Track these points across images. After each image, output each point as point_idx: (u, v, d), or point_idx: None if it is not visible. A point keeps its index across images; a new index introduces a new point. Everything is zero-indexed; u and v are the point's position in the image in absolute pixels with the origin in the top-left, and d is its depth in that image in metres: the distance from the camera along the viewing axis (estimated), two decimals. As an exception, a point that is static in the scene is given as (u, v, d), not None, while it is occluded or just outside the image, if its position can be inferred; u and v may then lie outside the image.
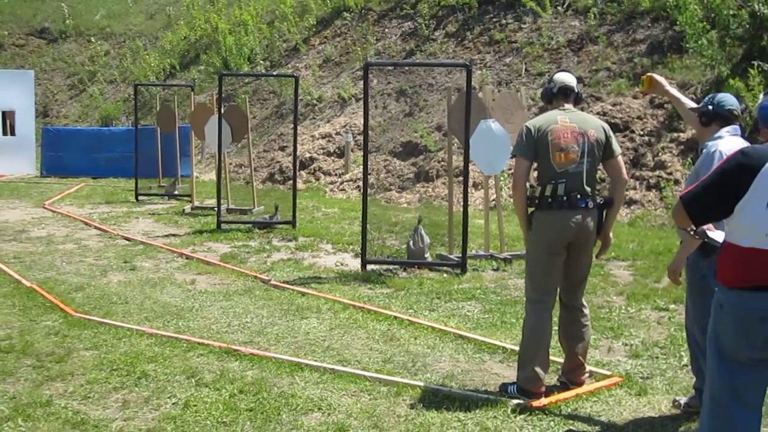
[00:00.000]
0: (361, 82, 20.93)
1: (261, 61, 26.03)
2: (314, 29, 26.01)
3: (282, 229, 12.83)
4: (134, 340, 6.83)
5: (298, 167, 15.09)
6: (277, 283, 9.06)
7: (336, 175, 18.65)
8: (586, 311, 5.82)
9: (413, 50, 21.76)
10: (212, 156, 21.33)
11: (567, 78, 5.81)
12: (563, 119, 5.58)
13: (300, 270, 9.93)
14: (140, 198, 17.08)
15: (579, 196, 5.47)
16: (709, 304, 3.97)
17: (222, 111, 13.55)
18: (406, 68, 20.72)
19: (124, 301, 8.27)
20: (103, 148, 22.36)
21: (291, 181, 14.45)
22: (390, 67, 21.03)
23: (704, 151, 5.03)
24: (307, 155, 19.33)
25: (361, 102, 20.26)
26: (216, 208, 13.47)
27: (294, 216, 12.99)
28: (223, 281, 9.25)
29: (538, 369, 5.52)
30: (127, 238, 12.13)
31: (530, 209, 5.59)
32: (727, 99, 5.14)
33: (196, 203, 15.51)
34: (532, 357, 5.55)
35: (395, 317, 7.61)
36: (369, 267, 9.89)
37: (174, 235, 12.52)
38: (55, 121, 31.91)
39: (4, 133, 24.26)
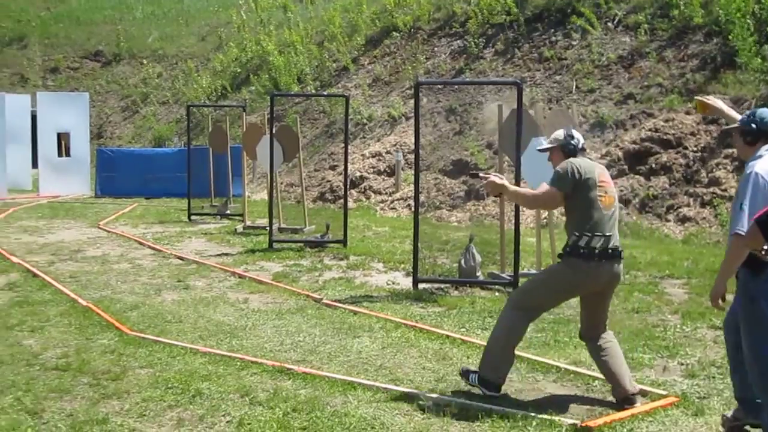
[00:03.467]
0: (411, 101, 21.15)
1: (311, 81, 26.23)
2: (363, 49, 26.16)
3: (333, 248, 12.87)
4: (188, 359, 6.88)
5: (348, 186, 15.14)
6: (329, 301, 9.08)
7: (386, 193, 18.70)
8: (608, 331, 6.02)
9: (462, 68, 21.78)
10: (263, 176, 21.52)
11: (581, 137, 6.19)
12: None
13: (351, 289, 9.95)
14: (193, 218, 17.25)
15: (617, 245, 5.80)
16: (764, 328, 3.89)
17: (273, 131, 13.66)
18: (456, 86, 20.75)
19: (178, 319, 8.35)
20: (156, 168, 22.65)
21: (342, 200, 14.49)
22: (439, 86, 21.07)
23: (744, 171, 4.84)
24: (358, 174, 19.41)
25: (411, 121, 20.39)
26: (268, 228, 13.56)
27: (345, 235, 13.03)
28: (276, 300, 9.29)
29: (505, 366, 5.95)
30: (180, 258, 12.26)
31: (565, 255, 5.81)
32: (765, 112, 4.95)
33: (248, 223, 15.63)
34: (506, 356, 5.95)
35: (447, 336, 7.59)
36: (421, 286, 9.88)
37: (226, 254, 12.62)
38: (108, 142, 32.47)
39: (60, 155, 24.74)
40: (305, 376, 6.40)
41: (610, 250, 5.69)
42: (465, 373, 6.09)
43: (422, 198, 14.88)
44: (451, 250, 12.23)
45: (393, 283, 10.28)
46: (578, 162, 5.85)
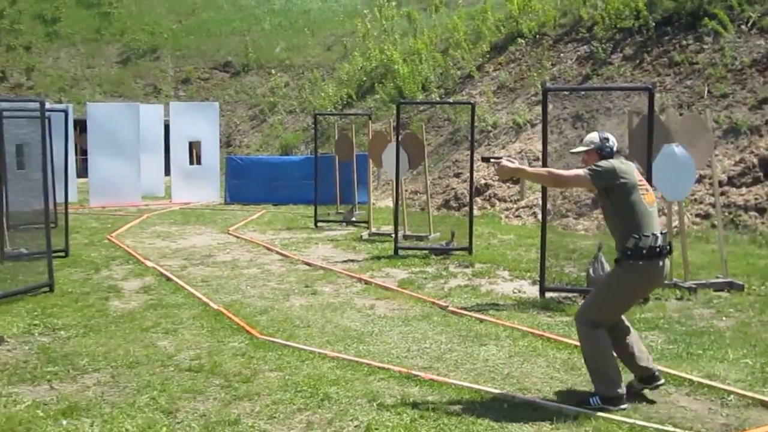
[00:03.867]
0: (536, 108, 20.96)
1: (435, 89, 26.27)
2: (488, 56, 26.04)
3: (458, 255, 12.84)
4: (317, 363, 6.97)
5: (473, 194, 15.07)
6: (455, 309, 9.06)
7: (511, 201, 18.54)
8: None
9: (589, 74, 21.43)
10: (388, 183, 21.64)
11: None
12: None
13: (477, 296, 9.90)
14: (319, 224, 17.49)
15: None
16: None
17: (399, 139, 13.73)
18: (582, 93, 20.42)
19: (306, 324, 8.47)
20: (283, 176, 23.08)
21: (466, 208, 14.45)
22: (566, 92, 20.78)
23: None
24: (482, 182, 19.31)
25: (537, 128, 20.20)
26: (393, 235, 13.63)
27: (470, 242, 12.98)
28: (402, 306, 9.32)
29: (617, 375, 5.88)
30: (307, 263, 12.44)
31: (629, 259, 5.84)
32: None
33: (373, 230, 15.75)
34: (611, 366, 5.90)
35: (576, 346, 7.44)
36: (547, 294, 9.75)
37: (352, 260, 12.74)
38: (237, 150, 33.25)
39: (191, 163, 25.48)
40: (432, 382, 6.40)
41: (661, 248, 5.79)
42: (585, 401, 5.87)
43: (548, 206, 14.68)
44: (578, 258, 12.02)
45: (519, 292, 10.18)
46: (617, 163, 6.02)
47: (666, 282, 5.89)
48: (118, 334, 8.05)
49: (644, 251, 5.74)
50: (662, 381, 5.98)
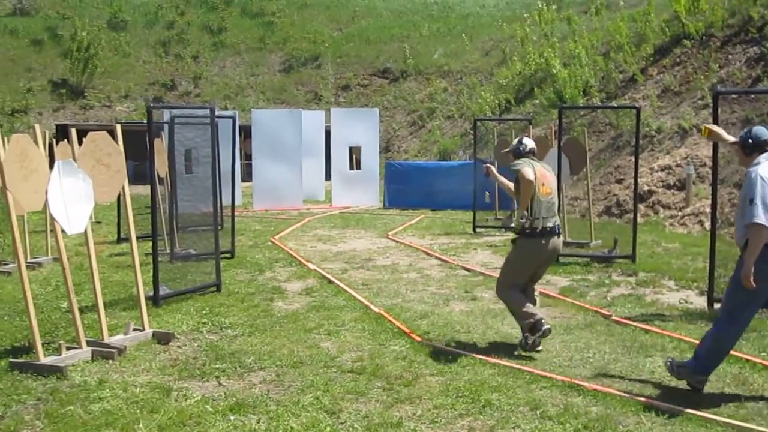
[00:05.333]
0: (703, 112, 20.23)
1: (596, 93, 25.76)
2: (652, 58, 25.32)
3: (621, 263, 12.51)
4: (478, 369, 6.94)
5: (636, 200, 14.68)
6: (619, 318, 8.84)
7: (676, 208, 17.94)
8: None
9: (760, 76, 20.51)
10: (547, 189, 21.37)
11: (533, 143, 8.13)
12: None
13: (642, 306, 9.62)
14: (477, 230, 17.42)
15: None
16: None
17: (561, 144, 13.52)
18: (752, 96, 19.56)
19: (466, 329, 8.45)
20: (442, 181, 23.10)
21: (628, 215, 14.09)
22: (734, 95, 19.95)
23: (747, 176, 6.12)
24: (646, 188, 18.77)
25: (704, 132, 19.48)
26: (553, 241, 13.41)
27: (634, 250, 12.63)
28: (563, 314, 9.17)
29: (529, 311, 7.58)
30: (466, 269, 12.41)
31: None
32: (761, 131, 6.31)
33: (532, 236, 15.54)
34: (522, 309, 7.62)
35: (747, 360, 7.15)
36: (716, 306, 9.36)
37: (512, 266, 12.61)
38: (395, 155, 33.58)
39: (351, 168, 25.88)
40: (596, 393, 6.26)
41: (548, 228, 7.55)
42: (519, 344, 7.62)
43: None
44: (749, 268, 11.51)
45: (686, 302, 9.84)
46: (524, 162, 7.70)
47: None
48: (283, 334, 8.25)
49: (529, 231, 7.55)
50: (548, 327, 7.51)
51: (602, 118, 24.25)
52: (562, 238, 8.05)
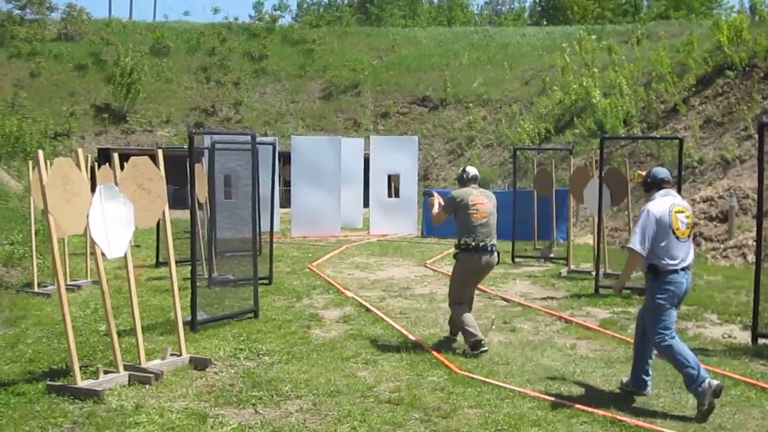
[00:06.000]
0: (746, 143, 20.01)
1: (637, 123, 25.59)
2: (694, 89, 25.13)
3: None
4: (517, 402, 6.83)
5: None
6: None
7: (718, 240, 17.70)
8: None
9: (805, 108, 20.28)
10: (586, 219, 21.22)
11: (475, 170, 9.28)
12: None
13: (685, 340, 9.39)
14: (516, 260, 17.28)
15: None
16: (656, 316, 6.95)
17: (602, 174, 13.40)
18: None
19: (505, 361, 8.34)
20: (480, 210, 22.92)
21: (670, 247, 13.83)
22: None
23: (642, 209, 7.15)
24: (687, 220, 18.53)
25: (746, 164, 19.26)
26: (593, 272, 13.28)
27: (675, 283, 12.41)
28: (604, 347, 9.02)
29: (472, 330, 8.68)
30: (505, 299, 12.29)
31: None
32: (660, 171, 7.40)
33: (572, 267, 15.41)
34: (468, 327, 8.73)
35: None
36: (761, 341, 9.19)
37: (551, 297, 12.48)
38: (434, 183, 33.54)
39: (389, 195, 25.83)
40: (638, 429, 6.14)
41: (481, 246, 8.71)
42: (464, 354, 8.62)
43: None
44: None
45: (729, 337, 9.65)
46: (459, 192, 8.97)
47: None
48: (320, 363, 8.19)
49: (464, 247, 8.76)
50: (485, 349, 8.60)
51: (643, 149, 24.05)
52: (496, 257, 8.90)
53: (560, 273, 15.03)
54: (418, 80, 43.42)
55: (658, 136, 22.82)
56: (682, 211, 7.08)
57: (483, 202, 8.84)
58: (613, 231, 19.97)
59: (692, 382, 6.61)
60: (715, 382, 6.54)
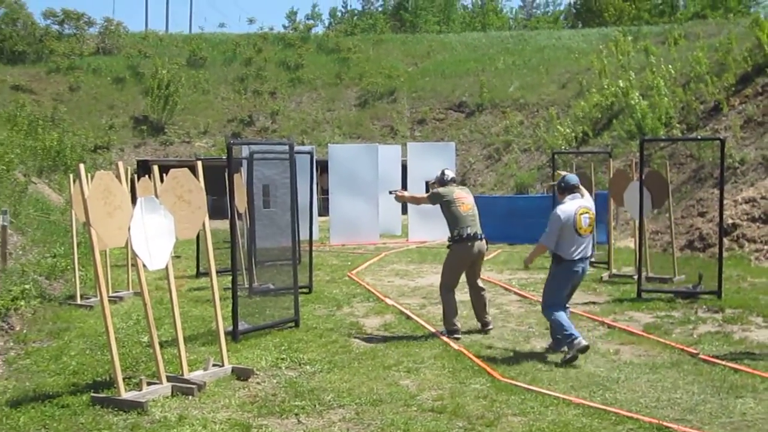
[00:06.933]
0: (790, 142, 19.66)
1: (676, 124, 25.31)
2: (734, 88, 24.80)
3: (706, 299, 12.16)
4: (561, 410, 6.76)
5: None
6: (707, 357, 8.54)
7: (762, 242, 17.43)
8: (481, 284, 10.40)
9: None
10: (626, 222, 21.03)
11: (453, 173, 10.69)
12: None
13: (730, 344, 9.30)
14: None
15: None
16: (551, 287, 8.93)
17: (643, 177, 13.26)
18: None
19: (548, 368, 8.26)
20: (519, 214, 22.83)
21: (711, 249, 13.72)
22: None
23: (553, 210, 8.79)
24: (730, 221, 18.28)
25: (790, 164, 18.95)
26: (635, 276, 13.14)
27: (720, 286, 12.25)
28: (648, 353, 8.90)
29: (452, 319, 9.98)
30: (546, 305, 12.17)
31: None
32: (571, 178, 8.86)
33: (614, 271, 15.26)
34: (450, 315, 10.03)
35: None
36: (809, 343, 9.04)
37: (593, 302, 12.35)
38: (472, 189, 33.16)
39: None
40: (685, 435, 6.04)
41: (471, 234, 9.88)
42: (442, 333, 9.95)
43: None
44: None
45: (776, 340, 9.50)
46: (444, 189, 10.25)
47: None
48: (362, 371, 8.17)
49: (458, 238, 9.87)
50: (491, 327, 10.10)
51: (683, 150, 23.76)
52: (485, 243, 10.10)
53: (601, 277, 14.88)
54: (453, 86, 43.35)
55: (699, 137, 22.55)
56: (586, 212, 8.65)
57: (465, 196, 10.24)
58: (654, 234, 19.76)
59: (566, 340, 8.43)
60: (584, 342, 8.35)
